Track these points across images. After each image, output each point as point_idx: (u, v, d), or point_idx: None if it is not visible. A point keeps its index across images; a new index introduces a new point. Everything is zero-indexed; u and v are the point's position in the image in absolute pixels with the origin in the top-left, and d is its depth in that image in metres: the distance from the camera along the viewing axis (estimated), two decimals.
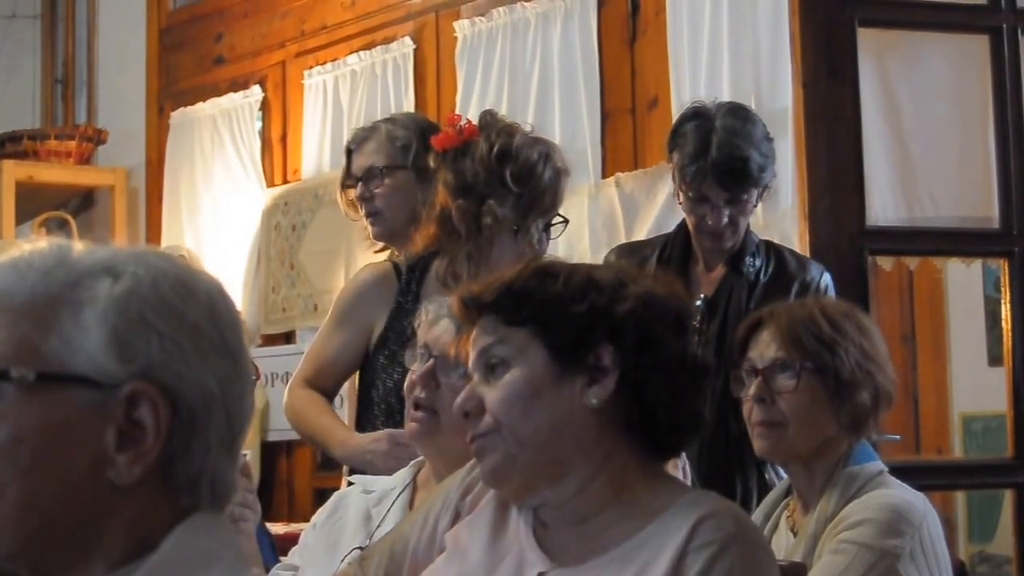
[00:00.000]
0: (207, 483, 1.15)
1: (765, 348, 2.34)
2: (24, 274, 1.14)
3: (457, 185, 2.76)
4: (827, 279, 3.09)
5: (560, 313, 1.66)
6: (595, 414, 1.65)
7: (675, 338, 1.68)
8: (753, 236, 3.14)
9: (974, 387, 4.68)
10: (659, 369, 1.66)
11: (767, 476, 2.95)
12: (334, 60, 5.42)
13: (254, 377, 1.22)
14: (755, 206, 3.10)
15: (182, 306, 1.13)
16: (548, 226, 2.82)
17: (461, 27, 4.92)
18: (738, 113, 3.08)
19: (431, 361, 2.19)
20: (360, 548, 2.07)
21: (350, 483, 2.42)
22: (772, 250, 3.14)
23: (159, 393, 1.11)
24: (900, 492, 2.31)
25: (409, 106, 5.02)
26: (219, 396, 1.14)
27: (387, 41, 5.24)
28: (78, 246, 1.17)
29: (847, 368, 2.30)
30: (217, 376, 1.14)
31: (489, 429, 1.67)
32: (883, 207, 3.49)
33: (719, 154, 2.99)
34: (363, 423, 2.87)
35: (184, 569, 1.10)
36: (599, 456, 1.66)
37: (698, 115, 3.08)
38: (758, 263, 3.09)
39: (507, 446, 1.65)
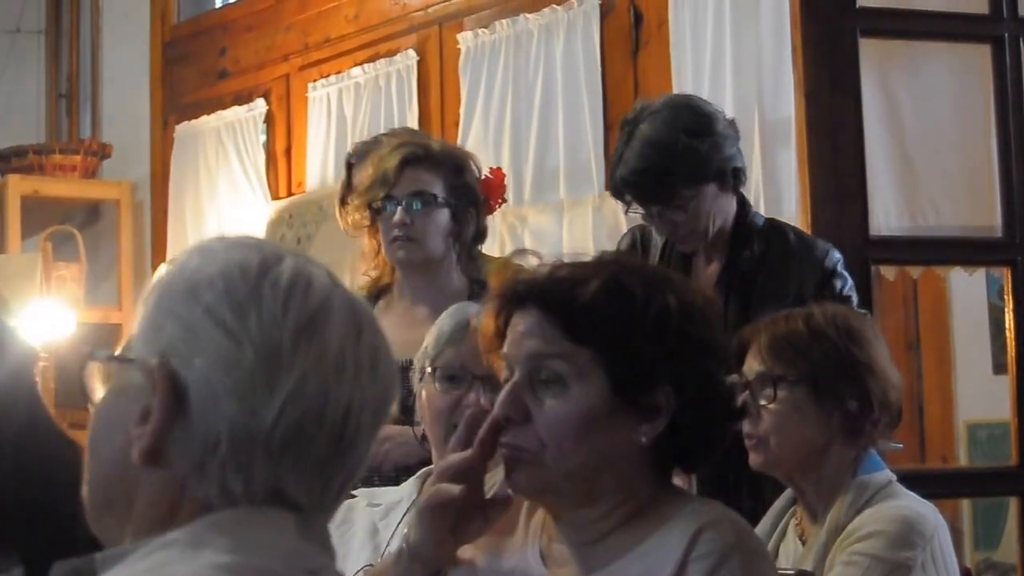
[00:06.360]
0: (219, 475, 1.11)
1: (752, 362, 2.35)
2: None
3: None
4: (835, 257, 2.99)
5: (632, 347, 1.60)
6: (640, 450, 1.62)
7: (721, 380, 1.68)
8: (756, 221, 3.05)
9: (979, 395, 4.67)
10: (706, 412, 1.64)
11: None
12: (338, 73, 5.44)
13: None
14: (716, 196, 2.94)
15: (207, 295, 1.13)
16: None
17: (464, 39, 4.93)
18: (663, 115, 2.93)
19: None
20: (370, 565, 2.06)
21: (352, 495, 2.41)
22: (776, 233, 3.04)
23: (165, 376, 1.12)
24: (911, 503, 2.31)
25: (413, 118, 5.04)
26: (228, 388, 1.11)
27: (391, 53, 5.25)
28: (211, 239, 1.23)
29: (827, 377, 2.30)
30: (228, 369, 1.11)
31: (532, 447, 1.61)
32: (886, 216, 3.49)
33: (624, 168, 2.91)
34: None
35: (165, 552, 1.09)
36: (631, 487, 1.64)
37: (632, 120, 2.97)
38: (757, 250, 2.99)
39: (548, 472, 1.60)
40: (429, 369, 2.22)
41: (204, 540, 1.09)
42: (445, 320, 2.27)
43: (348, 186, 3.37)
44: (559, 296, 1.62)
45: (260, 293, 1.14)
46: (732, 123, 3.05)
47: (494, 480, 1.72)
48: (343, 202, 3.32)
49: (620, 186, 2.95)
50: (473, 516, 1.67)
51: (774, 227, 3.09)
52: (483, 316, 1.71)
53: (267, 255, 1.17)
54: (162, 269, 1.22)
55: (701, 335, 1.64)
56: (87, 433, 1.20)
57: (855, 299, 2.97)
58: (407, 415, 2.83)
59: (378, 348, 1.18)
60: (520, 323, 1.64)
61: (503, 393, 1.63)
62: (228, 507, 1.12)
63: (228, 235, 1.22)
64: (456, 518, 1.67)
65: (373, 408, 1.17)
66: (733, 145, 2.98)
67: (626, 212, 3.05)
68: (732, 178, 2.98)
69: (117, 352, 1.19)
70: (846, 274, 2.99)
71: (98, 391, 1.20)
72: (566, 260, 1.72)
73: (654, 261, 3.07)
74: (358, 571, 1.95)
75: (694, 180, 2.91)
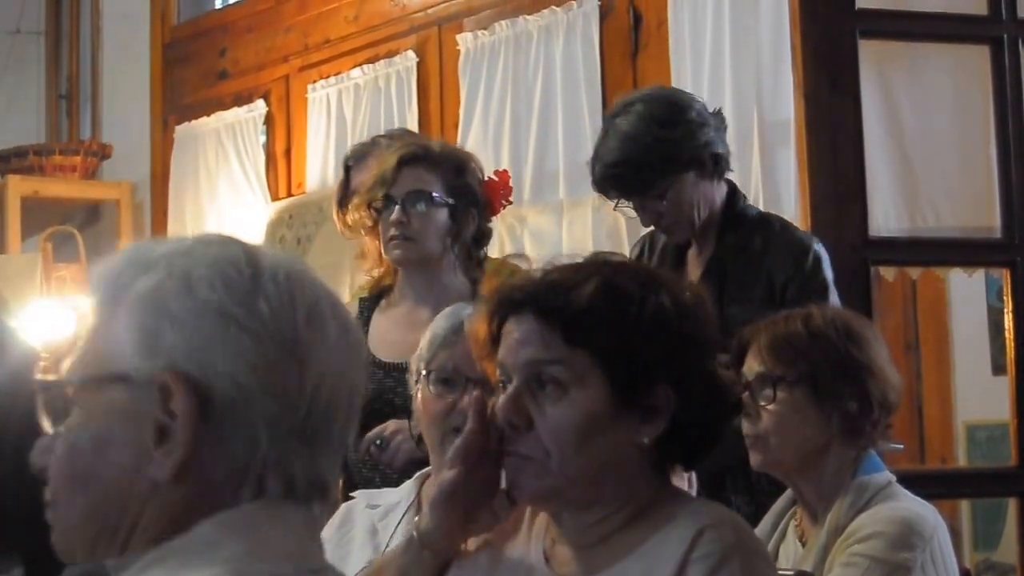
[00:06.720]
0: (258, 475, 1.10)
1: (752, 363, 2.35)
2: (98, 277, 1.16)
3: None
4: (812, 250, 2.93)
5: (630, 349, 1.60)
6: (641, 451, 1.63)
7: (719, 376, 1.68)
8: (748, 211, 3.05)
9: (978, 396, 4.67)
10: (705, 409, 1.65)
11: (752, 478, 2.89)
12: (338, 74, 5.44)
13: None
14: (696, 184, 2.93)
15: (207, 292, 1.10)
16: None
17: (464, 40, 4.94)
18: (637, 108, 2.95)
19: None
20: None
21: (350, 496, 2.42)
22: (764, 224, 3.03)
23: (183, 384, 1.08)
24: (910, 504, 2.32)
25: (413, 119, 5.04)
26: (256, 383, 1.09)
27: (390, 55, 5.25)
28: (155, 242, 1.18)
29: (827, 378, 2.30)
30: (251, 362, 1.10)
31: (535, 454, 1.60)
32: (885, 217, 3.49)
33: (600, 163, 2.94)
34: None
35: (177, 557, 1.08)
36: (632, 488, 1.65)
37: (610, 116, 3.00)
38: (741, 238, 2.97)
39: (553, 479, 1.60)
40: (424, 372, 2.23)
41: (217, 544, 1.08)
42: (439, 322, 2.27)
43: (346, 188, 3.37)
44: (554, 301, 1.61)
45: (262, 287, 1.12)
46: (716, 113, 3.04)
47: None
48: (340, 204, 3.33)
49: (599, 181, 2.98)
50: (483, 508, 1.68)
51: (764, 219, 3.08)
52: (475, 322, 1.71)
53: (246, 249, 1.16)
54: (101, 274, 1.16)
55: (697, 332, 1.64)
56: (58, 465, 1.14)
57: (830, 297, 2.90)
58: (408, 417, 2.85)
59: (359, 335, 1.20)
60: (515, 329, 1.63)
61: (503, 401, 1.62)
62: (269, 500, 1.11)
63: (187, 236, 1.19)
64: (467, 508, 1.68)
65: (361, 391, 1.19)
66: (710, 132, 2.97)
67: (615, 207, 3.06)
68: (712, 164, 2.97)
69: (92, 372, 1.12)
70: (821, 271, 2.93)
71: (53, 420, 1.15)
72: (557, 262, 1.71)
73: (656, 259, 3.08)
74: (359, 572, 1.95)
75: (669, 169, 2.92)
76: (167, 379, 1.09)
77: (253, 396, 1.10)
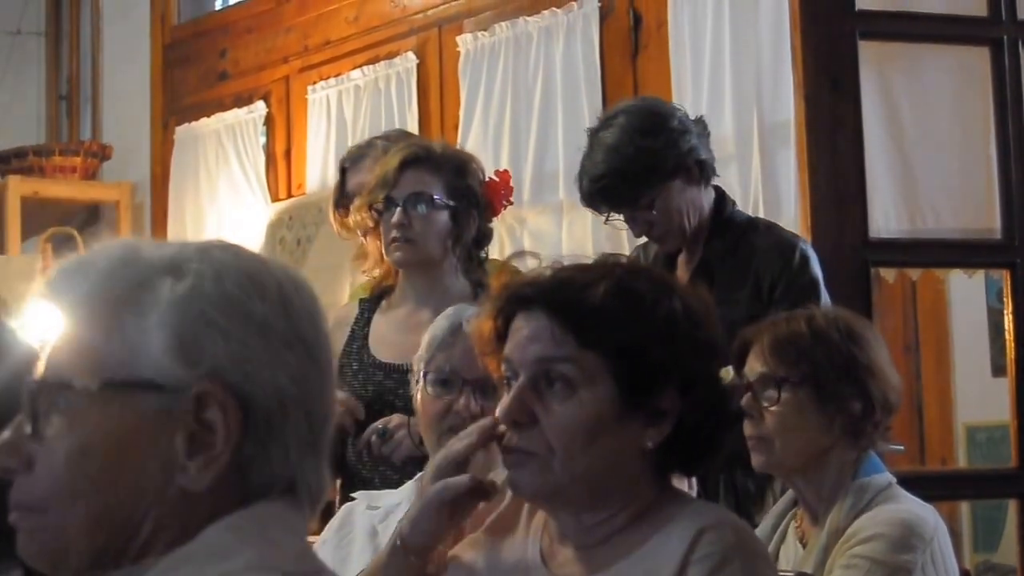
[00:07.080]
0: (284, 486, 1.10)
1: (754, 363, 2.36)
2: (88, 274, 1.11)
3: None
4: (798, 250, 2.95)
5: (641, 351, 1.60)
6: (645, 454, 1.63)
7: (722, 383, 1.69)
8: (735, 216, 3.07)
9: (978, 397, 4.68)
10: (710, 414, 1.65)
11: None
12: (338, 75, 5.44)
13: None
14: (683, 191, 2.96)
15: (248, 303, 1.09)
16: None
17: (464, 41, 4.94)
18: (619, 121, 2.98)
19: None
20: None
21: (351, 498, 2.42)
22: (751, 228, 3.05)
23: (226, 394, 1.06)
24: (910, 506, 2.32)
25: (413, 121, 5.04)
26: (295, 395, 1.09)
27: (390, 56, 5.25)
28: (146, 243, 1.13)
29: (830, 379, 2.30)
30: (291, 374, 1.09)
31: (539, 451, 1.60)
32: (885, 218, 3.49)
33: (587, 178, 2.96)
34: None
35: (188, 566, 1.07)
36: (634, 490, 1.65)
37: (594, 130, 3.02)
38: (729, 242, 2.99)
39: (555, 476, 1.60)
40: (422, 373, 2.24)
41: (227, 551, 1.06)
42: (439, 323, 2.29)
43: (342, 190, 3.38)
44: (568, 299, 1.61)
45: (289, 299, 1.12)
46: (698, 120, 3.07)
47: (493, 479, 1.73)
48: (337, 206, 3.33)
49: (587, 196, 3.00)
50: (466, 505, 1.69)
51: (751, 223, 3.10)
52: (480, 317, 1.70)
53: (256, 256, 1.15)
54: (87, 272, 1.11)
55: (705, 337, 1.65)
56: (55, 470, 1.07)
57: (821, 296, 2.91)
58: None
59: None
60: (525, 326, 1.63)
61: (508, 397, 1.62)
62: (276, 504, 1.10)
63: (185, 240, 1.17)
64: (454, 509, 1.69)
65: None
66: (693, 138, 2.99)
67: (606, 221, 3.07)
68: (698, 171, 2.99)
69: (110, 377, 1.07)
70: (808, 269, 2.95)
71: (33, 420, 1.09)
72: (565, 262, 1.71)
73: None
74: (358, 574, 1.96)
75: (654, 178, 2.94)
76: (207, 389, 1.07)
77: (291, 409, 1.09)
